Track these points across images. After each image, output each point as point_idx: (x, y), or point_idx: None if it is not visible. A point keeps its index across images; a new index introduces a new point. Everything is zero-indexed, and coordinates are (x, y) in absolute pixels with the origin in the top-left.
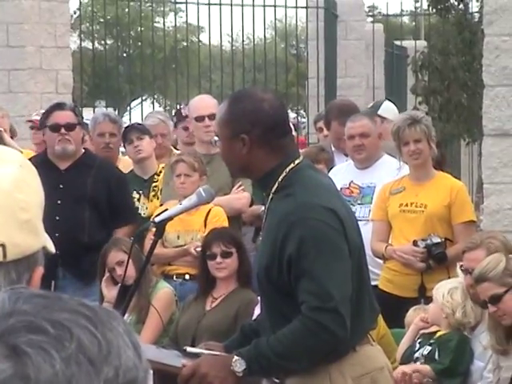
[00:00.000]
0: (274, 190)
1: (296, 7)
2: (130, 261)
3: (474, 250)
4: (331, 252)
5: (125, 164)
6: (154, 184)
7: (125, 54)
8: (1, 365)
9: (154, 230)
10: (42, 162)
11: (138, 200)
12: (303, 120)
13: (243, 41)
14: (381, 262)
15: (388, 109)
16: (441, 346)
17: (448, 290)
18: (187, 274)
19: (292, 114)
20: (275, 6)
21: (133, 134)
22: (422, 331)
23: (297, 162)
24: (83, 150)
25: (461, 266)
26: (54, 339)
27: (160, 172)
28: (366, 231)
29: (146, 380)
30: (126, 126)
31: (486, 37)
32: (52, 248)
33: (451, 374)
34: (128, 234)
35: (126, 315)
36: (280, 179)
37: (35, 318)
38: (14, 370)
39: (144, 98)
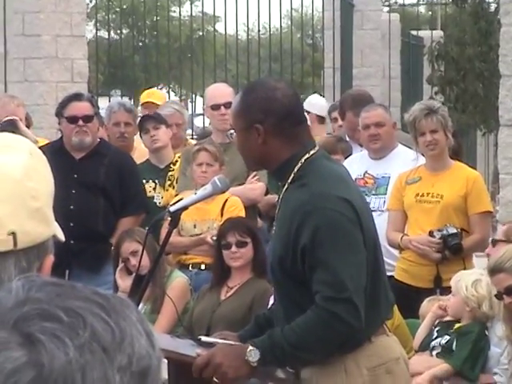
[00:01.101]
0: (289, 180)
1: None
2: (145, 251)
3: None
4: (346, 242)
5: (140, 153)
6: (169, 173)
7: (140, 44)
8: (15, 352)
9: (169, 219)
10: (57, 151)
11: (154, 189)
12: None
13: (259, 30)
14: (396, 253)
15: (311, 103)
16: (460, 337)
17: (472, 283)
18: (203, 263)
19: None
20: None
21: (149, 123)
22: (439, 320)
23: (312, 152)
24: (98, 140)
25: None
26: (68, 327)
27: (176, 161)
28: (381, 222)
29: (159, 368)
30: (142, 115)
31: (502, 27)
32: (62, 236)
33: (471, 366)
34: (135, 223)
35: (141, 305)
36: (295, 170)
37: (49, 306)
38: (27, 358)
39: (159, 87)
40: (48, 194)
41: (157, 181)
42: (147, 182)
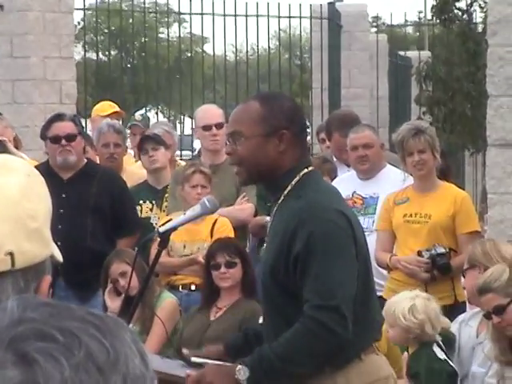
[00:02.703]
0: (286, 192)
1: (300, 17)
2: (134, 272)
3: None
4: (338, 252)
5: (129, 174)
6: (167, 194)
7: (129, 65)
8: (10, 372)
9: (158, 240)
10: (45, 172)
11: (151, 210)
12: (307, 130)
13: (247, 51)
14: (385, 272)
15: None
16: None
17: (408, 310)
18: (193, 283)
19: None
20: (279, 17)
21: (148, 144)
22: None
23: (310, 168)
24: (85, 160)
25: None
26: (63, 347)
27: None
28: (370, 242)
29: None
30: (142, 136)
31: (489, 47)
32: (59, 257)
33: None
34: (131, 244)
35: (130, 325)
36: (293, 182)
37: (44, 326)
38: (23, 377)
39: (148, 108)
40: (46, 215)
41: (154, 202)
42: (144, 202)
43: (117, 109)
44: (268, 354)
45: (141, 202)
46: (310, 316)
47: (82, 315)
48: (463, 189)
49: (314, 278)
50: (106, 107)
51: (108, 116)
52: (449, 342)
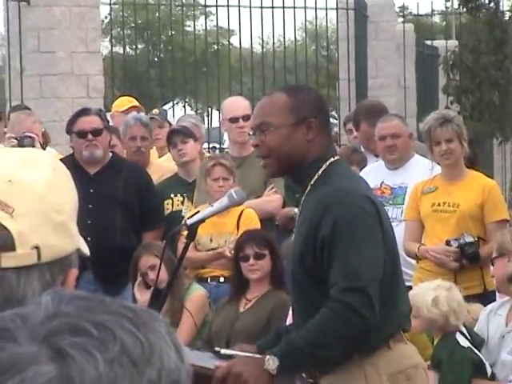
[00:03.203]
0: (313, 181)
1: (326, 9)
2: (163, 264)
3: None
4: (365, 236)
5: (156, 168)
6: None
7: (156, 59)
8: (45, 367)
9: (186, 232)
10: (71, 166)
11: (182, 203)
12: (335, 121)
13: (273, 43)
14: (413, 262)
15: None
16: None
17: (431, 303)
18: (221, 276)
19: None
20: (305, 8)
21: (177, 137)
22: None
23: (336, 157)
24: (111, 154)
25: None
26: (98, 341)
27: None
28: (398, 232)
29: (188, 381)
30: (171, 129)
31: None
32: (86, 250)
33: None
34: (157, 237)
35: None
36: (320, 172)
37: (78, 320)
38: (58, 372)
39: (175, 101)
40: (72, 208)
41: (185, 195)
42: (175, 195)
43: (135, 103)
44: (296, 340)
45: (172, 195)
46: (336, 299)
47: (116, 308)
48: (492, 177)
49: (340, 261)
50: (124, 102)
51: (126, 111)
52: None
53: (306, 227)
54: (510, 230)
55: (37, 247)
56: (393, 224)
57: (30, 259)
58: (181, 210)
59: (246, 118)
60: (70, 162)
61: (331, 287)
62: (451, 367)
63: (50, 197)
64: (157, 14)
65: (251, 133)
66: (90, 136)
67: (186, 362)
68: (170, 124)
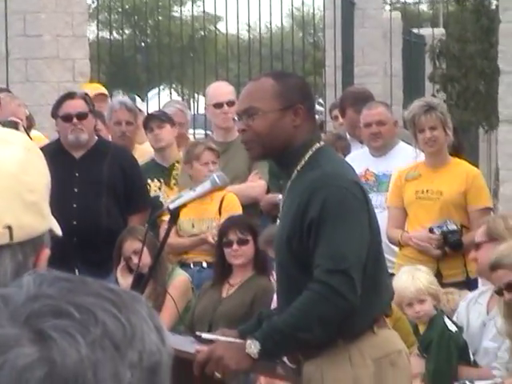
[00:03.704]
0: (299, 167)
1: None
2: (146, 249)
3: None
4: (352, 219)
5: (141, 152)
6: (174, 172)
7: (142, 44)
8: (27, 349)
9: (167, 217)
10: (56, 151)
11: (159, 188)
12: (321, 108)
13: (260, 29)
14: (396, 249)
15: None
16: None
17: (428, 280)
18: (204, 261)
19: None
20: None
21: (153, 122)
22: None
23: (322, 143)
24: (96, 138)
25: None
26: (80, 324)
27: (180, 159)
28: (382, 219)
29: (169, 363)
30: (148, 114)
31: (501, 23)
32: (59, 230)
33: (446, 365)
34: (143, 220)
35: None
36: (306, 157)
37: (60, 302)
38: (40, 354)
39: (162, 87)
40: (44, 188)
41: (162, 179)
42: (152, 180)
43: (102, 90)
44: (277, 323)
45: (149, 180)
46: (318, 280)
47: (98, 290)
48: (477, 166)
49: (325, 243)
50: (92, 88)
51: (94, 97)
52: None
53: (293, 210)
54: (504, 217)
55: (9, 227)
56: (376, 211)
57: (1, 239)
58: (158, 196)
59: (231, 103)
60: (56, 146)
61: (315, 269)
62: (441, 349)
63: (23, 176)
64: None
65: (236, 118)
66: (75, 120)
67: (167, 344)
68: (140, 110)
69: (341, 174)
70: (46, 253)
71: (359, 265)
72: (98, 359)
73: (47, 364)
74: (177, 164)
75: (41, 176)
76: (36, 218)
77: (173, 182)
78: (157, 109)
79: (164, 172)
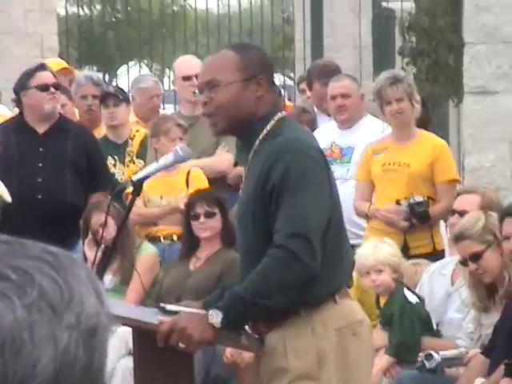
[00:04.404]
0: (261, 136)
1: None
2: (113, 222)
3: (469, 194)
4: (313, 185)
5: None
6: (128, 149)
7: (114, 19)
8: None
9: (131, 188)
10: (19, 126)
11: (114, 165)
12: (290, 83)
13: (229, 4)
14: (359, 221)
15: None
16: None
17: (389, 252)
18: (174, 234)
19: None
20: None
21: (110, 99)
22: None
23: (284, 113)
24: (58, 114)
25: (445, 221)
26: (16, 286)
27: (134, 136)
28: (344, 190)
29: (108, 326)
30: (105, 91)
31: None
32: (8, 197)
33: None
34: (103, 199)
35: (110, 276)
36: (269, 127)
37: None
38: None
39: (132, 64)
40: None
41: (116, 157)
42: (106, 158)
43: (65, 65)
44: (238, 292)
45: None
46: (277, 245)
47: (37, 253)
48: (448, 139)
49: (285, 208)
50: (56, 63)
51: (57, 72)
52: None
53: (255, 178)
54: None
55: None
56: (338, 182)
57: None
58: (114, 173)
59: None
60: (19, 122)
61: (275, 234)
62: (403, 322)
63: None
64: None
65: (198, 91)
66: (52, 89)
67: (106, 307)
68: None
69: (304, 140)
70: None
71: (319, 230)
72: (35, 321)
73: None
74: (130, 141)
75: None
76: None
77: (127, 159)
78: (126, 85)
79: (118, 149)
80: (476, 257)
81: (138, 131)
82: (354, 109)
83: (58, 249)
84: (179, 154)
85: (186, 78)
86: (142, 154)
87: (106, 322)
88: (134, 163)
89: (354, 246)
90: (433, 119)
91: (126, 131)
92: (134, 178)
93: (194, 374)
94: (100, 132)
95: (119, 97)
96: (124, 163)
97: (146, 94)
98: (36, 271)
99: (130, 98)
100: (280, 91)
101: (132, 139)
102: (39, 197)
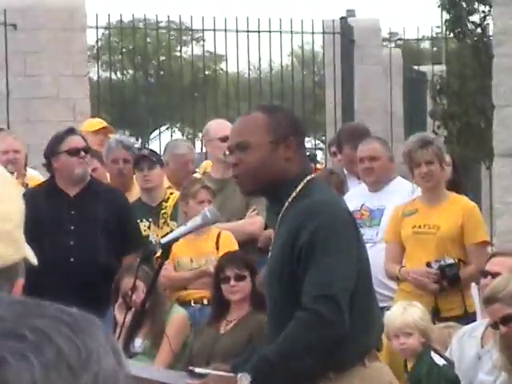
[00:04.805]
0: (291, 198)
1: (312, 33)
2: (142, 285)
3: (503, 256)
4: (342, 247)
5: (138, 191)
6: (162, 211)
7: (146, 83)
8: None
9: (160, 252)
10: (51, 190)
11: (149, 228)
12: (322, 146)
13: (260, 67)
14: (388, 283)
15: None
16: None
17: (418, 316)
18: (205, 297)
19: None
20: (292, 33)
21: (144, 162)
22: None
23: (313, 175)
24: (89, 177)
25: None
26: (34, 346)
27: (168, 198)
28: (373, 253)
29: None
30: (139, 154)
31: (495, 57)
32: (34, 259)
33: None
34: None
35: (140, 340)
36: (298, 189)
37: (15, 325)
38: None
39: (164, 128)
40: (19, 217)
41: (150, 219)
42: (141, 221)
43: (105, 124)
44: (266, 354)
45: (137, 220)
46: (306, 308)
47: (54, 313)
48: (480, 202)
49: (314, 270)
50: (94, 123)
51: (96, 132)
52: None
53: (284, 240)
54: None
55: None
56: (368, 245)
57: None
58: (148, 235)
59: None
60: (50, 185)
61: (303, 296)
62: None
63: None
64: (148, 40)
65: (228, 153)
66: (82, 153)
67: (123, 366)
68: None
69: (333, 202)
70: (21, 282)
71: (346, 292)
72: (52, 381)
73: None
74: (164, 203)
75: (15, 205)
76: (10, 247)
77: (161, 221)
78: (158, 148)
79: (151, 212)
80: (507, 320)
81: (172, 193)
82: (382, 171)
83: (75, 309)
84: (207, 216)
85: (223, 139)
86: (175, 216)
87: (124, 381)
88: (168, 225)
89: (383, 309)
90: (464, 182)
91: (160, 194)
92: (163, 240)
93: None
94: (132, 196)
95: (153, 160)
96: (158, 225)
97: (181, 160)
98: (53, 331)
99: (164, 163)
100: (315, 154)
101: (166, 201)
102: (72, 260)
